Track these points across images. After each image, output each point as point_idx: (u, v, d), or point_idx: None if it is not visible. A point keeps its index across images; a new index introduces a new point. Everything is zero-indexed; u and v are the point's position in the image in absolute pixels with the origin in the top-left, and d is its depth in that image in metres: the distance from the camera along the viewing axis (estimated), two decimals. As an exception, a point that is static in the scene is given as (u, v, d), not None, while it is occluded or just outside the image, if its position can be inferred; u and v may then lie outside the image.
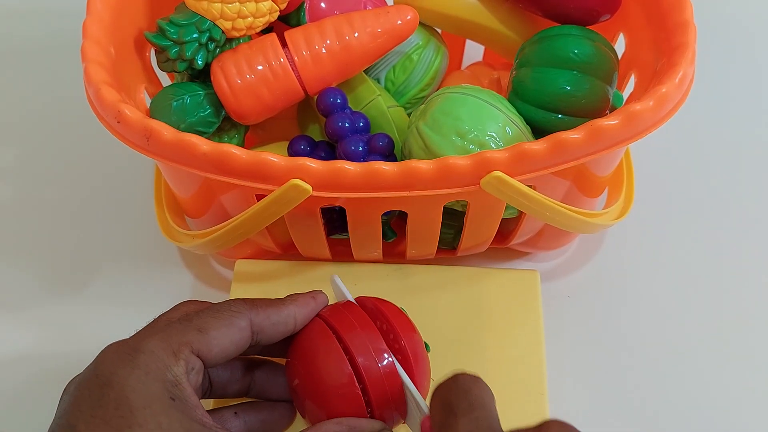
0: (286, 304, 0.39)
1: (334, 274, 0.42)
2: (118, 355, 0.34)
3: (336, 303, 0.42)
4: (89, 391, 0.33)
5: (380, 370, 0.38)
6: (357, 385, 0.37)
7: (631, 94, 0.51)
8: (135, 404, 0.32)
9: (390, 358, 0.38)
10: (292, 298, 0.40)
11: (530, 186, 0.41)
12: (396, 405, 0.38)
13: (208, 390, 0.40)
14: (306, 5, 0.49)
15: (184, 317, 0.36)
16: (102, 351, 0.34)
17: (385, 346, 0.39)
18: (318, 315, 0.40)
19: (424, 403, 0.36)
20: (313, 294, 0.40)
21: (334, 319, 0.39)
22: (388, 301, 0.42)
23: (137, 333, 0.36)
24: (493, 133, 0.44)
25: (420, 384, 0.39)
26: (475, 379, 0.33)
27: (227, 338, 0.36)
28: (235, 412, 0.41)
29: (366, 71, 0.51)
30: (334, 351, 0.38)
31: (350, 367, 0.37)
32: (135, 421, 0.31)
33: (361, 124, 0.48)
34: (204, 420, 0.33)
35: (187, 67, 0.45)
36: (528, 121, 0.46)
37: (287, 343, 0.40)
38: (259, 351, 0.42)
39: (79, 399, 0.33)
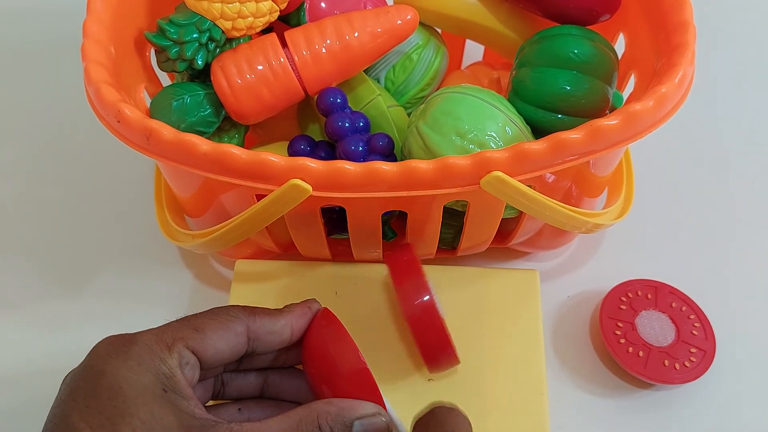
0: (283, 314, 0.39)
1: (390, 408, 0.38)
2: (112, 347, 0.34)
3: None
4: (84, 382, 0.33)
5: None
6: (368, 368, 0.37)
7: (631, 94, 0.51)
8: (128, 394, 0.32)
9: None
10: (289, 308, 0.40)
11: (530, 186, 0.41)
12: None
13: (220, 392, 0.40)
14: (306, 5, 0.49)
15: (182, 318, 0.37)
16: (96, 344, 0.35)
17: None
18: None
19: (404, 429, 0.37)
20: (309, 303, 0.40)
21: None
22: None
23: None
24: (492, 133, 0.44)
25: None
26: (450, 412, 0.35)
27: (223, 340, 0.36)
28: (239, 409, 0.40)
29: (366, 71, 0.51)
30: (343, 337, 0.38)
31: (360, 352, 0.37)
32: (128, 411, 0.31)
33: (361, 124, 0.48)
34: (196, 411, 0.33)
35: (187, 67, 0.45)
36: (528, 121, 0.46)
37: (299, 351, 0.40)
38: (267, 362, 0.41)
39: (74, 389, 0.33)
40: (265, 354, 0.39)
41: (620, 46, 0.52)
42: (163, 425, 0.32)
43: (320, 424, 0.34)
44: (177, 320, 0.36)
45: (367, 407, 0.36)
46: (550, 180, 0.43)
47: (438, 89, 0.50)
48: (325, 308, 0.40)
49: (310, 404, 0.36)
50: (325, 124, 0.48)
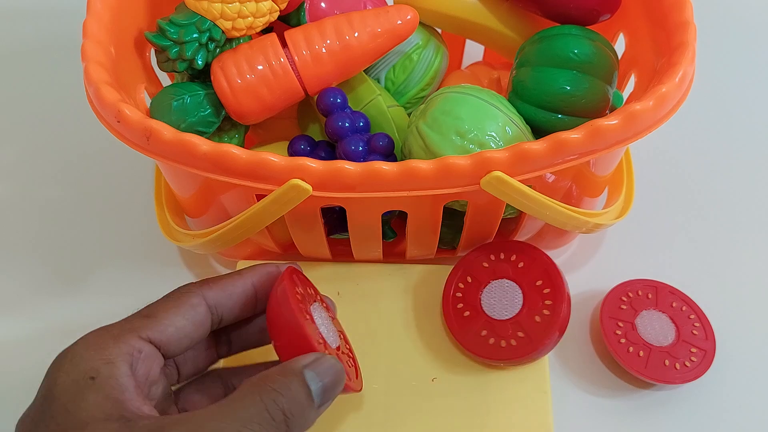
0: (242, 275, 0.39)
1: None
2: (58, 356, 0.34)
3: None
4: (36, 395, 0.33)
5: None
6: (303, 324, 0.35)
7: (631, 94, 0.51)
8: (55, 394, 0.32)
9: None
10: (251, 267, 0.40)
11: (530, 186, 0.41)
12: None
13: (176, 375, 0.39)
14: (306, 5, 0.49)
15: (136, 311, 0.36)
16: None
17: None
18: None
19: None
20: (278, 263, 0.40)
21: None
22: None
23: None
24: (492, 133, 0.44)
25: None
26: None
27: (180, 317, 0.36)
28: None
29: (366, 71, 0.51)
30: (287, 304, 0.36)
31: (299, 315, 0.36)
32: (48, 414, 0.31)
33: (361, 124, 0.48)
34: (128, 404, 0.32)
35: (187, 67, 0.45)
36: (528, 121, 0.46)
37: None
38: (246, 340, 0.41)
39: (30, 405, 0.33)
40: (238, 320, 0.39)
41: (620, 46, 0.52)
42: (76, 423, 0.31)
43: (275, 391, 0.32)
44: (131, 314, 0.36)
45: (308, 356, 0.34)
46: (550, 180, 0.43)
47: (438, 89, 0.50)
48: (289, 266, 0.39)
49: (249, 379, 0.33)
50: (325, 124, 0.48)
